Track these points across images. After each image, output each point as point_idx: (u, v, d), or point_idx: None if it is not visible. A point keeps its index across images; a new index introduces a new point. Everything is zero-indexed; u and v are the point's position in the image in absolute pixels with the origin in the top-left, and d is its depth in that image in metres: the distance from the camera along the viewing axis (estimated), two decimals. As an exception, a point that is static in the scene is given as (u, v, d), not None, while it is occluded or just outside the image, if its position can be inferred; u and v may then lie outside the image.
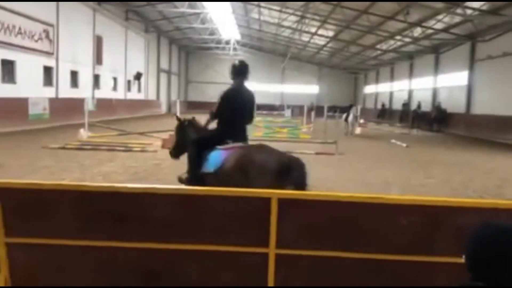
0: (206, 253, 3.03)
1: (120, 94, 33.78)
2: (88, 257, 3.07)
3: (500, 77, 24.87)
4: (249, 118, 6.03)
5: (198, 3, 33.02)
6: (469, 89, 28.64)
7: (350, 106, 24.70)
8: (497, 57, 25.15)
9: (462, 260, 3.09)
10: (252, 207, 2.97)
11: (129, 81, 35.86)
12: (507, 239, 1.62)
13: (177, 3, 33.08)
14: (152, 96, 42.14)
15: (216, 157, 5.11)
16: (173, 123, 19.19)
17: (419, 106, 34.35)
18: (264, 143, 5.73)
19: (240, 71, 5.82)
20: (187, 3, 31.99)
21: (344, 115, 24.82)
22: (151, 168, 10.91)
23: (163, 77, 46.23)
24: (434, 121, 30.81)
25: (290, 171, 4.71)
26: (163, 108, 45.11)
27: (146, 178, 9.52)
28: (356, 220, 2.98)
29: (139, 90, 38.51)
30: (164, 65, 46.19)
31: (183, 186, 3.07)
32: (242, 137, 5.65)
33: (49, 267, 3.08)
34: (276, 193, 2.92)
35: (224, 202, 2.98)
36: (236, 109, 5.65)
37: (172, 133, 15.07)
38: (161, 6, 34.46)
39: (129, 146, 14.46)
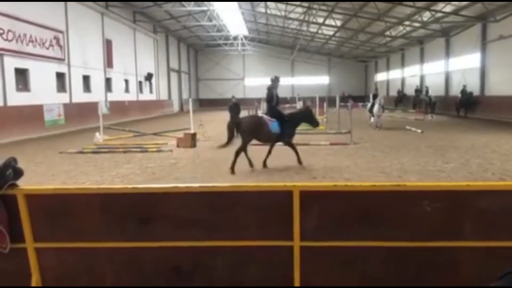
0: (231, 249, 3.07)
1: (132, 96, 34.03)
2: (115, 258, 3.13)
3: (512, 57, 24.48)
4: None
5: (204, 1, 33.02)
6: (482, 71, 28.23)
7: (374, 96, 22.60)
8: (509, 36, 24.73)
9: (487, 243, 3.08)
10: (274, 201, 3.00)
11: (140, 82, 36.09)
12: None
13: (184, 2, 33.13)
14: (163, 96, 42.36)
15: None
16: (186, 122, 19.10)
17: (426, 92, 33.24)
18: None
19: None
20: (193, 2, 32.02)
21: (369, 106, 23.03)
22: (168, 167, 10.99)
23: (174, 77, 46.42)
24: (460, 106, 28.54)
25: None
26: (175, 108, 45.32)
27: (164, 177, 9.60)
28: (378, 209, 2.99)
29: (150, 91, 38.74)
30: (174, 64, 46.35)
31: (204, 184, 3.10)
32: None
33: (78, 270, 3.15)
34: (298, 186, 2.93)
35: (247, 198, 3.00)
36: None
37: (188, 131, 15.22)
38: (168, 6, 34.54)
39: (145, 147, 14.59)
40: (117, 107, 28.93)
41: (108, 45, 29.50)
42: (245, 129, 10.57)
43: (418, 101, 34.38)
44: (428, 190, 3.02)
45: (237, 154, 10.41)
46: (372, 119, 22.29)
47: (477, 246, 3.05)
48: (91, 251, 3.11)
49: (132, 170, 10.61)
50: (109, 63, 29.60)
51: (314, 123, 11.17)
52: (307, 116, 11.16)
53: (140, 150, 14.00)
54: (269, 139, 10.87)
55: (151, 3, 33.70)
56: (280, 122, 10.63)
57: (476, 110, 27.22)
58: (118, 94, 31.04)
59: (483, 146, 13.75)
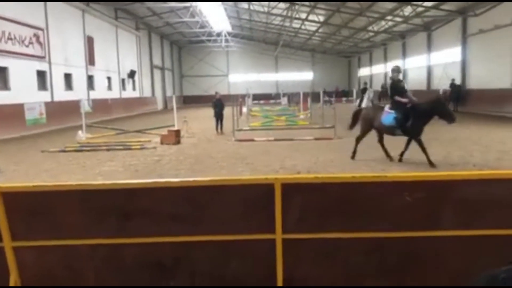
0: (213, 243, 3.05)
1: (115, 94, 33.66)
2: (96, 255, 3.08)
3: (492, 50, 24.83)
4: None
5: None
6: (463, 65, 28.60)
7: (364, 90, 21.84)
8: (488, 30, 25.09)
9: (467, 232, 3.11)
10: (256, 194, 2.98)
11: (123, 80, 35.73)
12: None
13: (165, -2, 32.88)
14: (147, 93, 42.01)
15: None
16: (169, 118, 19.03)
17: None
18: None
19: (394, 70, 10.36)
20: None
21: (358, 100, 22.72)
22: (152, 164, 10.92)
23: (157, 74, 46.06)
24: (450, 100, 27.45)
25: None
26: (159, 105, 45.00)
27: (147, 174, 9.54)
28: (360, 200, 3.00)
29: (133, 88, 38.39)
30: (157, 61, 45.99)
31: (184, 179, 3.07)
32: None
33: (57, 268, 3.10)
34: (279, 178, 2.92)
35: (228, 191, 2.98)
36: None
37: (171, 128, 15.13)
38: (150, 3, 34.20)
39: (128, 144, 14.46)
40: (100, 105, 28.61)
41: (89, 42, 29.11)
42: (362, 117, 10.75)
43: (384, 95, 34.78)
44: (408, 181, 3.04)
45: (357, 141, 10.78)
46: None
47: (458, 235, 3.08)
48: (71, 248, 3.06)
49: (115, 168, 10.51)
50: (91, 60, 29.23)
51: (449, 118, 9.42)
52: (438, 108, 9.47)
53: (123, 148, 13.88)
54: (384, 131, 10.35)
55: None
56: (401, 114, 9.70)
57: (467, 103, 27.16)
58: (100, 92, 30.68)
59: (465, 138, 13.93)
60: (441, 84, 30.45)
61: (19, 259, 3.01)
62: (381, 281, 3.12)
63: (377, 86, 44.57)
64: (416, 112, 9.58)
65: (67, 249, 3.05)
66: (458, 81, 28.43)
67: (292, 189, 2.94)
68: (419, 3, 27.72)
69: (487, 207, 3.08)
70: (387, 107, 10.12)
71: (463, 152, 11.28)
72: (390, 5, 29.02)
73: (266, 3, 35.09)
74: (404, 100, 9.81)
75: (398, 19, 32.07)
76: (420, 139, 9.60)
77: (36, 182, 5.49)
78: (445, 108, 9.58)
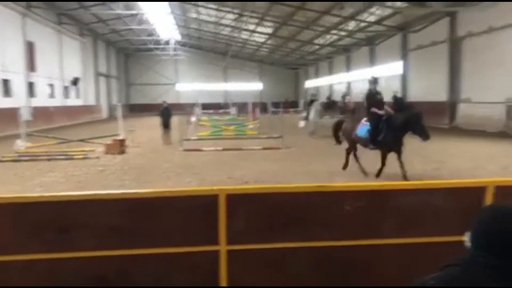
0: (157, 256, 3.00)
1: (57, 101, 32.40)
2: (33, 271, 2.95)
3: (430, 65, 26.22)
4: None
5: (134, 4, 32.25)
6: (404, 78, 29.94)
7: (311, 102, 20.78)
8: (426, 46, 26.48)
9: (405, 240, 3.25)
10: (200, 206, 2.98)
11: (66, 87, 34.48)
12: (508, 220, 1.71)
13: (112, 5, 32.15)
14: (91, 101, 40.78)
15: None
16: (115, 127, 18.46)
17: (343, 97, 35.06)
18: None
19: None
20: (122, 4, 31.17)
21: (305, 113, 21.54)
22: (95, 175, 10.58)
23: (102, 81, 44.85)
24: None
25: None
26: (104, 113, 43.78)
27: (90, 185, 9.22)
28: (303, 210, 3.06)
29: (77, 96, 37.14)
30: (103, 68, 44.81)
31: (126, 191, 3.01)
32: None
33: (-10, 285, 2.94)
34: (224, 189, 2.93)
35: (172, 203, 2.96)
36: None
37: (116, 138, 14.75)
38: (95, 9, 33.34)
39: (70, 154, 13.94)
40: (41, 113, 27.43)
41: (30, 48, 27.91)
42: (343, 129, 10.59)
43: (330, 107, 36.01)
44: (349, 191, 3.14)
45: (347, 152, 10.40)
46: (302, 123, 22.59)
47: (396, 243, 3.21)
48: (7, 264, 2.91)
49: (56, 179, 10.10)
50: (31, 66, 28.01)
51: (423, 135, 8.63)
52: (413, 123, 8.73)
53: (65, 158, 13.36)
54: (360, 143, 9.95)
55: (77, 5, 32.36)
56: (373, 126, 9.34)
57: None
58: (42, 99, 29.41)
59: (405, 149, 14.52)
60: (386, 95, 31.61)
61: None
62: (324, 289, 3.19)
63: (323, 97, 45.69)
64: (390, 125, 9.09)
65: (2, 266, 2.89)
66: (399, 94, 29.67)
67: (237, 200, 2.96)
68: (363, 18, 28.82)
69: (424, 215, 3.24)
70: (364, 119, 9.74)
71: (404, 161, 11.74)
72: (335, 19, 29.94)
73: (214, 12, 35.18)
74: (380, 112, 9.39)
75: (342, 33, 33.13)
76: (398, 150, 9.14)
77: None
78: (420, 123, 8.67)
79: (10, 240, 2.86)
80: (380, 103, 9.63)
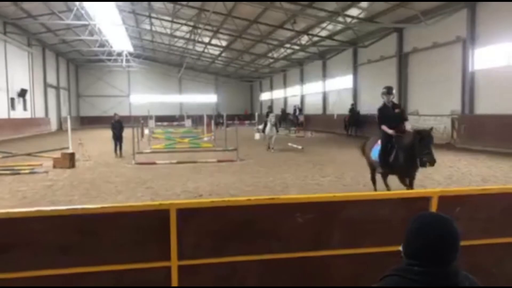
0: (106, 273, 2.91)
1: (3, 113, 30.96)
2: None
3: (379, 78, 27.14)
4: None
5: (85, 14, 31.49)
6: (355, 91, 30.82)
7: (267, 114, 20.24)
8: (375, 61, 27.45)
9: (354, 250, 3.32)
10: (150, 221, 2.91)
11: (12, 99, 33.02)
12: (438, 225, 1.81)
13: (61, 15, 31.23)
14: (40, 113, 39.25)
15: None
16: (64, 141, 17.85)
17: (295, 111, 36.29)
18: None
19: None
20: (72, 14, 30.35)
21: (261, 126, 21.08)
22: (43, 190, 10.16)
23: (51, 93, 43.33)
24: (349, 124, 29.00)
25: None
26: (53, 126, 42.26)
27: (37, 201, 8.84)
28: (255, 223, 3.06)
29: (24, 108, 35.63)
30: (52, 80, 43.33)
31: (72, 206, 2.91)
32: None
33: None
34: (174, 204, 2.89)
35: (121, 219, 2.88)
36: None
37: (66, 151, 14.24)
38: (44, 18, 32.27)
39: (16, 169, 13.33)
40: (-17, 126, 26.13)
41: (-28, 58, 26.62)
42: (363, 150, 9.61)
43: (284, 120, 36.75)
44: (300, 202, 3.18)
45: (372, 178, 9.31)
46: (258, 135, 22.65)
47: (345, 253, 3.27)
48: None
49: (0, 195, 9.61)
50: (-26, 77, 26.70)
51: (430, 159, 7.17)
52: (422, 146, 7.26)
53: (11, 173, 12.75)
54: (374, 167, 8.92)
55: (24, 14, 31.21)
56: (382, 147, 8.15)
57: (363, 128, 27.95)
58: (-15, 112, 28.05)
59: (357, 160, 14.91)
60: (335, 109, 32.51)
61: None
62: (276, 302, 3.19)
63: (278, 110, 46.24)
64: (399, 146, 7.85)
65: None
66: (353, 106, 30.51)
67: (187, 214, 2.92)
68: (315, 32, 29.52)
69: (373, 225, 3.32)
70: (379, 140, 8.45)
71: (355, 173, 12.04)
72: (288, 33, 30.49)
73: (168, 24, 34.96)
74: (389, 131, 8.03)
75: (295, 47, 33.76)
76: (411, 176, 7.87)
77: None
78: (429, 146, 7.25)
79: None
80: (395, 118, 8.13)
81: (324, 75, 36.10)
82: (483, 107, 19.11)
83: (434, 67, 22.07)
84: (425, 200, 3.33)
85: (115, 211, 2.89)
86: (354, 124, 28.83)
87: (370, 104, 27.88)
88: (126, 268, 2.91)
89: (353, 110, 29.39)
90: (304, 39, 31.34)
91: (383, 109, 8.34)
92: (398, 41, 25.04)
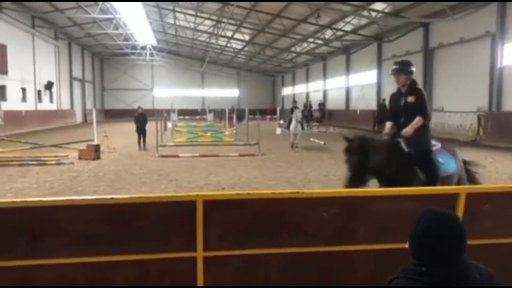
0: (131, 263, 2.96)
1: (30, 105, 31.69)
2: (3, 279, 2.86)
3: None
4: None
5: (110, 8, 31.92)
6: (379, 87, 30.45)
7: (292, 110, 18.90)
8: (400, 56, 27.00)
9: (379, 246, 3.30)
10: (177, 212, 2.95)
11: (39, 91, 33.77)
12: (445, 226, 1.75)
13: (88, 8, 31.73)
14: (65, 106, 40.05)
15: (448, 158, 5.45)
16: (89, 133, 18.15)
17: (310, 106, 35.36)
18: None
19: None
20: (98, 8, 30.81)
21: (281, 121, 20.18)
22: (69, 181, 10.37)
23: (77, 86, 44.13)
24: (378, 121, 27.27)
25: None
26: (78, 118, 43.06)
27: (63, 191, 9.04)
28: (279, 216, 3.07)
29: (51, 100, 36.41)
30: (77, 73, 44.11)
31: (101, 196, 2.96)
32: None
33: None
34: (201, 195, 2.92)
35: (148, 209, 2.92)
36: None
37: (91, 143, 14.50)
38: (70, 12, 32.83)
39: (43, 159, 13.63)
40: (12, 117, 26.79)
41: (2, 50, 27.27)
42: None
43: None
44: (325, 197, 3.17)
45: None
46: (279, 130, 22.54)
47: (370, 249, 3.25)
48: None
49: (28, 185, 9.86)
50: (3, 69, 27.36)
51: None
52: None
53: (38, 163, 13.06)
54: None
55: (51, 8, 31.81)
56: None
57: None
58: (13, 103, 28.71)
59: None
60: (358, 105, 32.19)
61: None
62: (299, 295, 3.20)
63: (300, 105, 46.03)
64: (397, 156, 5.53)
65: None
66: (374, 103, 30.11)
67: (213, 206, 2.95)
68: (339, 27, 29.23)
69: (398, 222, 3.28)
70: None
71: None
72: (312, 27, 30.28)
73: (192, 18, 35.13)
74: (385, 130, 5.91)
75: (319, 41, 33.53)
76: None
77: None
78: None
79: (-21, 247, 2.77)
80: (404, 111, 5.58)
81: (348, 70, 35.75)
82: (511, 104, 18.65)
83: (460, 62, 21.63)
84: (452, 196, 3.27)
85: (142, 201, 2.93)
86: (383, 120, 27.84)
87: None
88: (152, 258, 2.95)
89: (383, 105, 28.40)
90: (328, 34, 31.08)
91: (391, 97, 6.00)
92: (424, 36, 24.62)
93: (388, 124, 5.73)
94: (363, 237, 3.22)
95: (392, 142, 5.41)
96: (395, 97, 5.83)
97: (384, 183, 5.07)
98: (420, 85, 5.85)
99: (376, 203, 3.27)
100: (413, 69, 5.71)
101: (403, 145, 5.32)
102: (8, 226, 2.79)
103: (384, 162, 5.07)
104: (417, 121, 5.35)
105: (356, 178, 5.03)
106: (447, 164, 5.32)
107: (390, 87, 28.18)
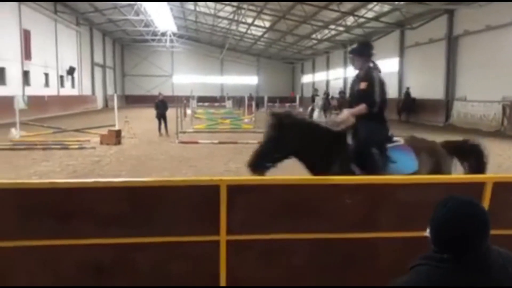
0: (155, 245, 3.00)
1: (53, 91, 32.20)
2: (30, 258, 2.93)
3: (427, 62, 26.27)
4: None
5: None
6: (400, 75, 29.98)
7: (313, 97, 18.77)
8: (424, 43, 26.51)
9: (403, 234, 3.27)
10: (201, 196, 2.97)
11: (61, 77, 34.26)
12: (468, 213, 1.72)
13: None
14: (87, 91, 40.56)
15: (407, 157, 4.65)
16: (110, 118, 18.35)
17: (327, 94, 34.43)
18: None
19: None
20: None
21: (309, 109, 19.70)
22: (91, 165, 10.54)
23: (98, 71, 44.60)
24: (402, 110, 27.15)
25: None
26: (99, 104, 43.59)
27: (86, 175, 9.20)
28: (303, 202, 3.06)
29: (72, 85, 36.91)
30: (98, 59, 44.54)
31: (126, 179, 3.00)
32: None
33: (-12, 271, 2.92)
34: (225, 180, 2.93)
35: (172, 192, 2.95)
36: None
37: (112, 128, 14.69)
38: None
39: (66, 143, 13.88)
40: (36, 102, 27.25)
41: (26, 36, 27.67)
42: None
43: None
44: (349, 183, 3.15)
45: None
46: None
47: (394, 236, 3.23)
48: (3, 251, 2.89)
49: (52, 168, 10.06)
50: (27, 55, 27.79)
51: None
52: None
53: (61, 147, 13.30)
54: None
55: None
56: None
57: (418, 114, 26.27)
58: (37, 88, 29.21)
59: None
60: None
61: None
62: (322, 282, 3.20)
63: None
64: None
65: (2, 251, 2.88)
66: (395, 91, 29.71)
67: (237, 191, 2.95)
68: (361, 14, 28.79)
69: (423, 210, 3.24)
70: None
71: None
72: (333, 14, 29.89)
73: (212, 4, 35.02)
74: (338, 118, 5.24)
75: (340, 28, 33.09)
76: None
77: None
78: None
79: (9, 226, 2.84)
80: (356, 98, 5.08)
81: (369, 58, 35.25)
82: (538, 94, 18.20)
83: (486, 50, 21.10)
84: (479, 185, 3.22)
85: (167, 184, 2.96)
86: (407, 109, 27.14)
87: (417, 88, 27.15)
88: (176, 240, 2.98)
89: (408, 94, 27.60)
90: (350, 20, 30.63)
91: (352, 82, 5.45)
92: (448, 23, 24.06)
93: (345, 112, 5.02)
94: (387, 225, 3.20)
95: (321, 127, 4.89)
96: (354, 82, 5.34)
97: (311, 171, 4.73)
98: (379, 71, 5.17)
99: (401, 190, 3.23)
100: (372, 52, 5.28)
101: (348, 137, 4.71)
102: (37, 207, 2.85)
103: (306, 144, 4.66)
104: (359, 108, 4.79)
105: (266, 155, 4.66)
106: (403, 163, 4.58)
107: (413, 76, 27.88)
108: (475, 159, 5.02)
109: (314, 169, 4.61)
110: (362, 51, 5.25)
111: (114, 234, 2.93)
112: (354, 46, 5.33)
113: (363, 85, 4.98)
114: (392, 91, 29.96)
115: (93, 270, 2.97)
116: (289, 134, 4.52)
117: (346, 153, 4.54)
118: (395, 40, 30.34)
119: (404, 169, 4.49)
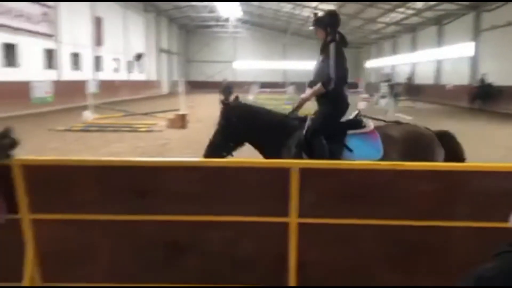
0: (227, 224, 3.08)
1: (122, 76, 33.63)
2: (111, 231, 3.12)
3: (505, 47, 24.59)
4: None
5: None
6: (474, 60, 28.33)
7: (384, 83, 17.87)
8: (501, 26, 24.80)
9: (480, 224, 3.12)
10: (272, 178, 3.00)
11: (130, 62, 35.65)
12: None
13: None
14: (153, 76, 41.95)
15: (371, 145, 4.25)
16: (175, 103, 18.83)
17: (389, 80, 32.68)
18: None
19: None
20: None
21: (377, 96, 19.09)
22: (159, 147, 10.94)
23: (163, 57, 45.90)
24: (477, 97, 25.47)
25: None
26: (165, 89, 44.95)
27: (154, 157, 9.55)
28: (376, 187, 3.01)
29: (140, 71, 38.33)
30: (164, 45, 45.80)
31: (201, 159, 3.07)
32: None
33: (73, 242, 3.14)
34: (296, 163, 2.94)
35: (245, 174, 3.00)
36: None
37: (178, 113, 15.11)
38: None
39: (135, 126, 14.48)
40: (106, 86, 28.59)
41: (98, 23, 28.99)
42: None
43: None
44: (424, 170, 3.04)
45: None
46: (362, 104, 21.98)
47: (469, 226, 3.09)
48: (87, 223, 3.09)
49: (123, 149, 10.54)
50: (99, 41, 29.14)
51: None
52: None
53: (130, 130, 13.90)
54: None
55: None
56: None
57: (497, 102, 24.08)
58: (107, 73, 30.66)
59: (473, 134, 13.89)
60: (449, 79, 30.28)
61: (36, 232, 3.05)
62: (390, 268, 3.15)
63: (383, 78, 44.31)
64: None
65: (83, 224, 3.08)
66: (467, 77, 28.17)
67: (309, 174, 2.95)
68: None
69: (501, 199, 3.08)
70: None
71: (469, 146, 11.23)
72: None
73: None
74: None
75: (409, 11, 31.76)
76: None
77: (56, 156, 5.51)
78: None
79: (93, 201, 3.02)
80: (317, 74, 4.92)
81: (439, 42, 33.60)
82: None
83: None
84: None
85: (239, 166, 3.01)
86: (482, 96, 25.30)
87: (494, 74, 25.45)
88: (246, 220, 3.04)
89: (483, 80, 25.59)
90: (420, 3, 29.30)
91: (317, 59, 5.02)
92: (529, 4, 22.38)
93: (302, 95, 4.76)
94: (463, 213, 3.07)
95: (271, 114, 4.65)
96: (318, 58, 4.89)
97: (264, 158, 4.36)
98: (343, 43, 4.82)
99: (478, 178, 3.08)
100: (336, 21, 4.91)
101: (304, 123, 4.39)
102: (117, 183, 3.01)
103: (256, 132, 4.45)
104: (314, 90, 4.56)
105: (219, 145, 4.41)
106: (361, 151, 4.15)
107: (490, 61, 26.22)
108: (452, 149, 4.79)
109: (266, 157, 4.36)
110: (320, 21, 4.93)
111: (188, 211, 3.03)
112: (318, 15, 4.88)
113: (320, 60, 4.78)
114: (462, 78, 28.51)
115: (168, 245, 3.10)
116: (238, 123, 4.43)
117: (298, 141, 4.26)
118: (468, 23, 28.64)
119: (361, 158, 4.05)
